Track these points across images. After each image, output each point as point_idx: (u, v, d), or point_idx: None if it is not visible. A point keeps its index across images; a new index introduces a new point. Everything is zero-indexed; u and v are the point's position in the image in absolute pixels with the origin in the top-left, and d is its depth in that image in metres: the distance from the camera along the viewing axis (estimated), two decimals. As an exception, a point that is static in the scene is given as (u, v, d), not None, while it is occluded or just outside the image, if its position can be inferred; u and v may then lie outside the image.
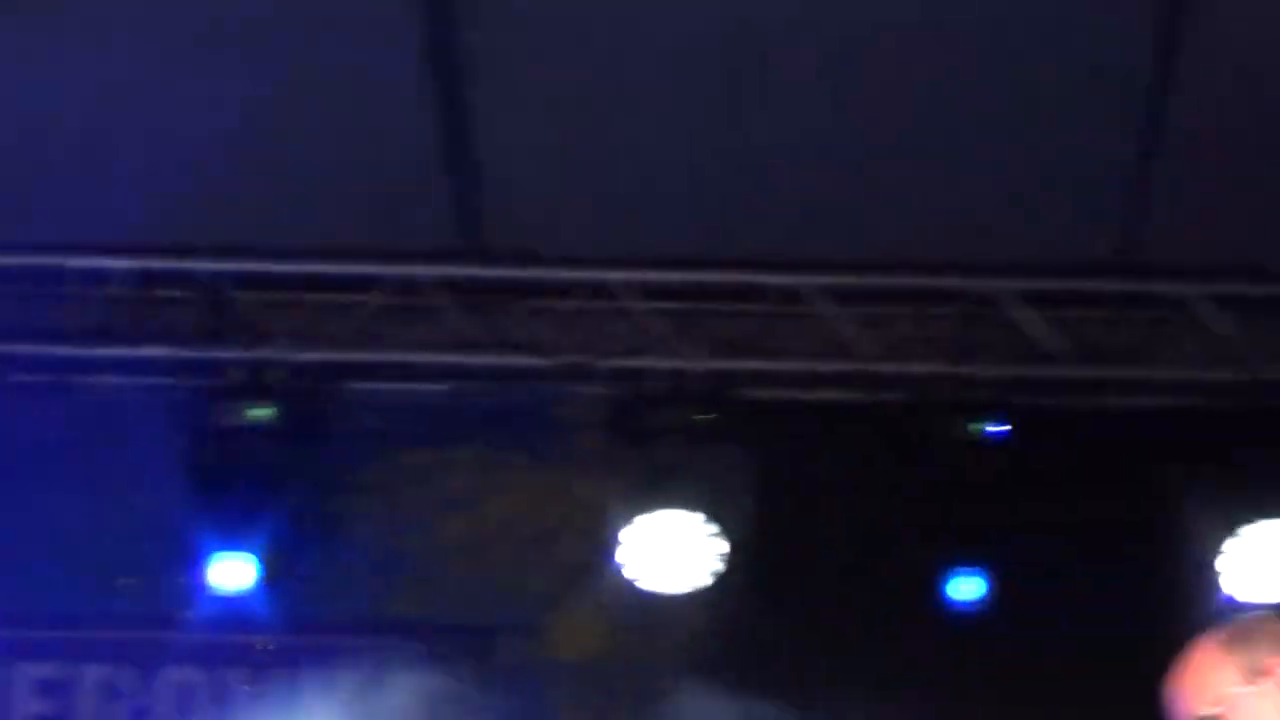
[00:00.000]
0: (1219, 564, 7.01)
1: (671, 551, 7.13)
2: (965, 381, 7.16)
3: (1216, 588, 7.04)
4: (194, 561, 7.23)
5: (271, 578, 7.23)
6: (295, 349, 7.09)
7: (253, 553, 7.14)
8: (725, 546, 7.09)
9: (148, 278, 7.14)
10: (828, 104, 6.74)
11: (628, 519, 7.22)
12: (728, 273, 7.20)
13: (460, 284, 7.12)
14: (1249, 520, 7.06)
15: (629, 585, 7.33)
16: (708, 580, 7.11)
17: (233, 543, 7.22)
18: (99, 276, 7.10)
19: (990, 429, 7.08)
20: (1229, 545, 7.03)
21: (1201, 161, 6.97)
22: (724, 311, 7.27)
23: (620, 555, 7.24)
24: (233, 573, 7.21)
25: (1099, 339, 7.40)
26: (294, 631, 7.67)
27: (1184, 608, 7.03)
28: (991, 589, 7.31)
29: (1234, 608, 7.07)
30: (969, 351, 7.21)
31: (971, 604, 7.35)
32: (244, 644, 7.83)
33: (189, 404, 7.19)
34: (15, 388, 7.18)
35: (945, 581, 7.33)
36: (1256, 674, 3.91)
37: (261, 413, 7.02)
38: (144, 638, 8.00)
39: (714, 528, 7.04)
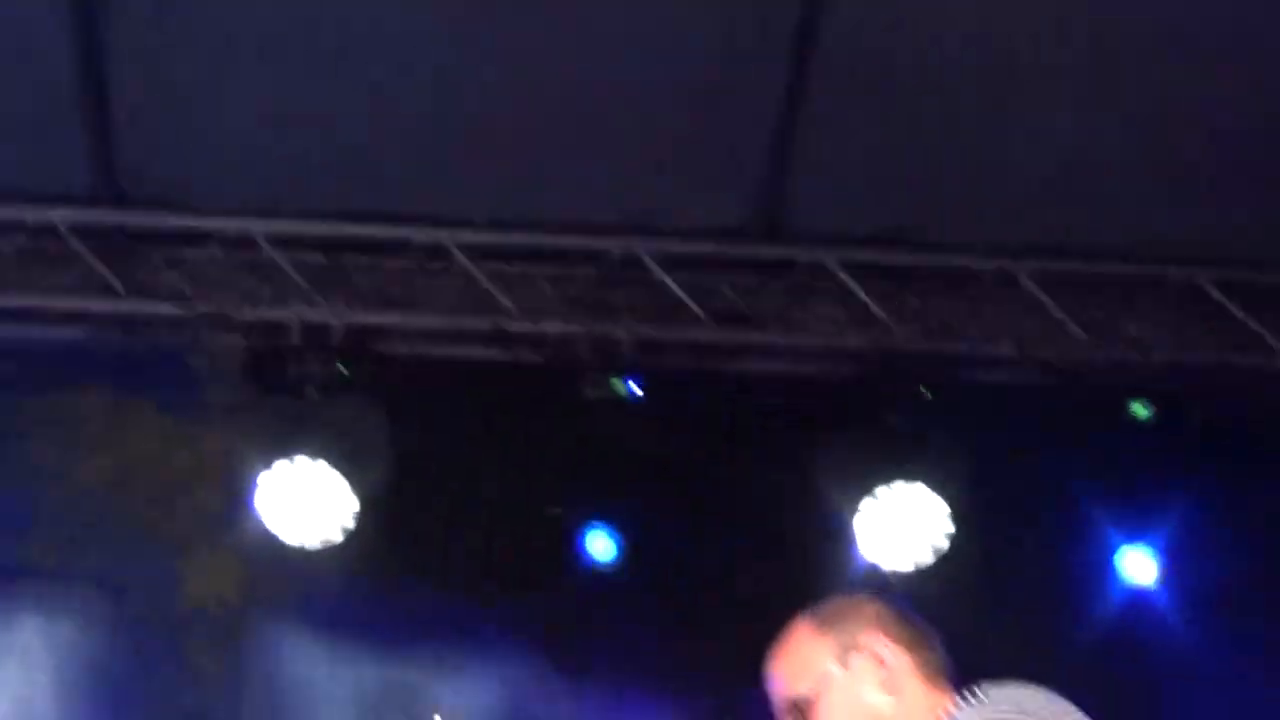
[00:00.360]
0: (855, 526, 7.23)
1: (306, 503, 7.15)
2: (604, 342, 7.21)
3: (852, 550, 7.28)
4: None
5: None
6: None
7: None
8: (359, 500, 7.11)
9: None
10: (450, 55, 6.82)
11: (264, 469, 7.20)
12: (370, 226, 7.20)
13: (98, 230, 7.02)
14: (885, 483, 7.29)
15: (264, 535, 7.32)
16: (341, 533, 7.14)
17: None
18: None
19: (629, 390, 7.21)
20: (865, 507, 7.24)
21: (842, 129, 7.07)
22: (366, 265, 7.27)
23: (256, 505, 7.22)
24: None
25: (738, 303, 7.49)
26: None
27: (819, 570, 7.29)
28: (625, 548, 7.50)
29: (870, 570, 7.40)
30: (609, 312, 7.27)
31: (605, 562, 7.51)
32: None
33: None
34: None
35: (580, 540, 7.48)
36: (851, 652, 4.02)
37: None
38: None
39: (349, 481, 7.06)
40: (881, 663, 3.96)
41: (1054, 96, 6.89)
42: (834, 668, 3.98)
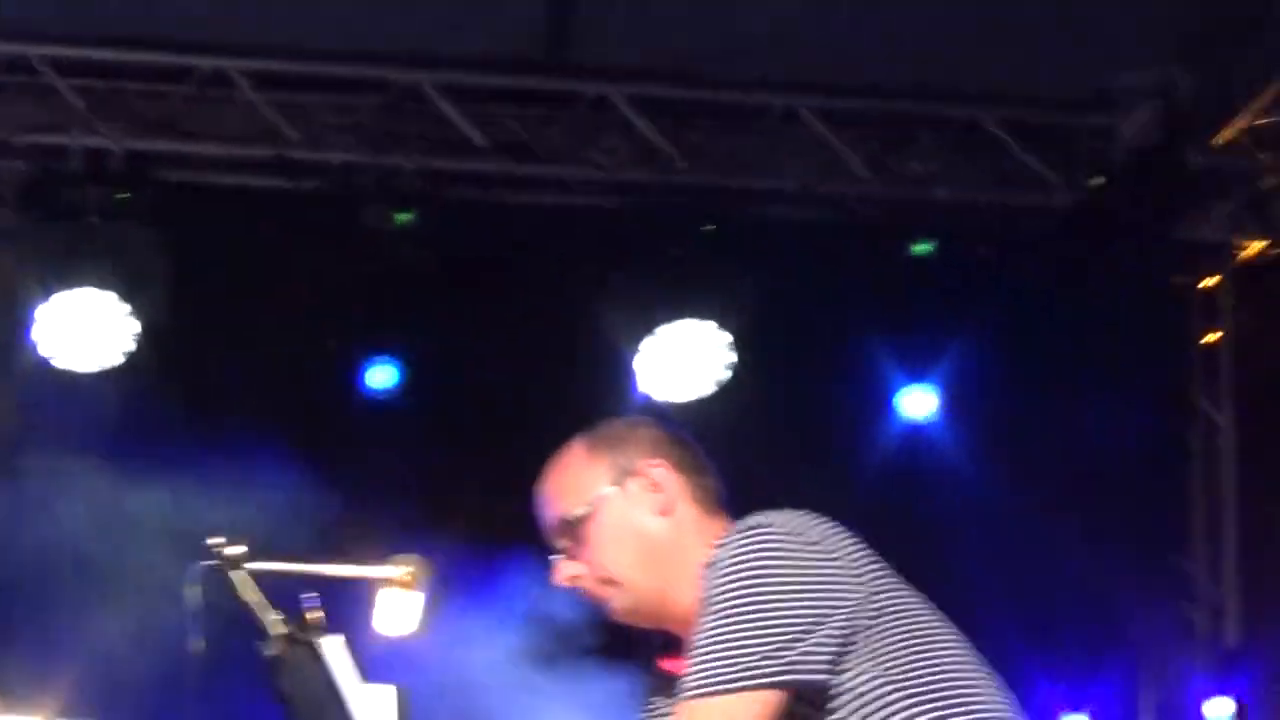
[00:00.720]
0: (635, 362, 7.48)
1: (85, 331, 7.31)
2: (386, 172, 7.41)
3: (632, 385, 7.56)
4: None
5: None
6: None
7: None
8: (139, 328, 7.28)
9: None
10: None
11: (42, 297, 7.33)
12: (152, 53, 7.36)
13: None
14: (666, 320, 7.51)
15: (41, 363, 7.43)
16: (119, 359, 7.31)
17: None
18: None
19: (412, 220, 7.39)
20: (646, 344, 7.47)
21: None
22: (147, 93, 7.44)
23: (34, 333, 7.33)
24: None
25: (522, 135, 7.72)
26: None
27: (600, 400, 7.51)
28: (405, 377, 7.71)
29: (648, 401, 7.64)
30: (391, 142, 7.46)
31: (385, 391, 7.73)
32: None
33: None
34: None
35: (360, 369, 7.69)
36: (627, 475, 4.00)
37: None
38: None
39: (127, 308, 7.22)
40: (657, 487, 3.98)
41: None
42: (608, 489, 4.00)
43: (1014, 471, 8.36)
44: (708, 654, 3.77)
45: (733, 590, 3.76)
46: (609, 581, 3.98)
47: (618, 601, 4.01)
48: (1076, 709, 8.22)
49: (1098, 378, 8.55)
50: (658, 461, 3.95)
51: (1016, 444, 8.44)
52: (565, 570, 4.01)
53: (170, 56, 7.38)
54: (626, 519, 4.00)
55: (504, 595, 6.69)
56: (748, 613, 3.75)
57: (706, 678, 3.75)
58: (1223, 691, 8.63)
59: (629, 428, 4.17)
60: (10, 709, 5.43)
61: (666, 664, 4.08)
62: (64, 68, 7.36)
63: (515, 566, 5.37)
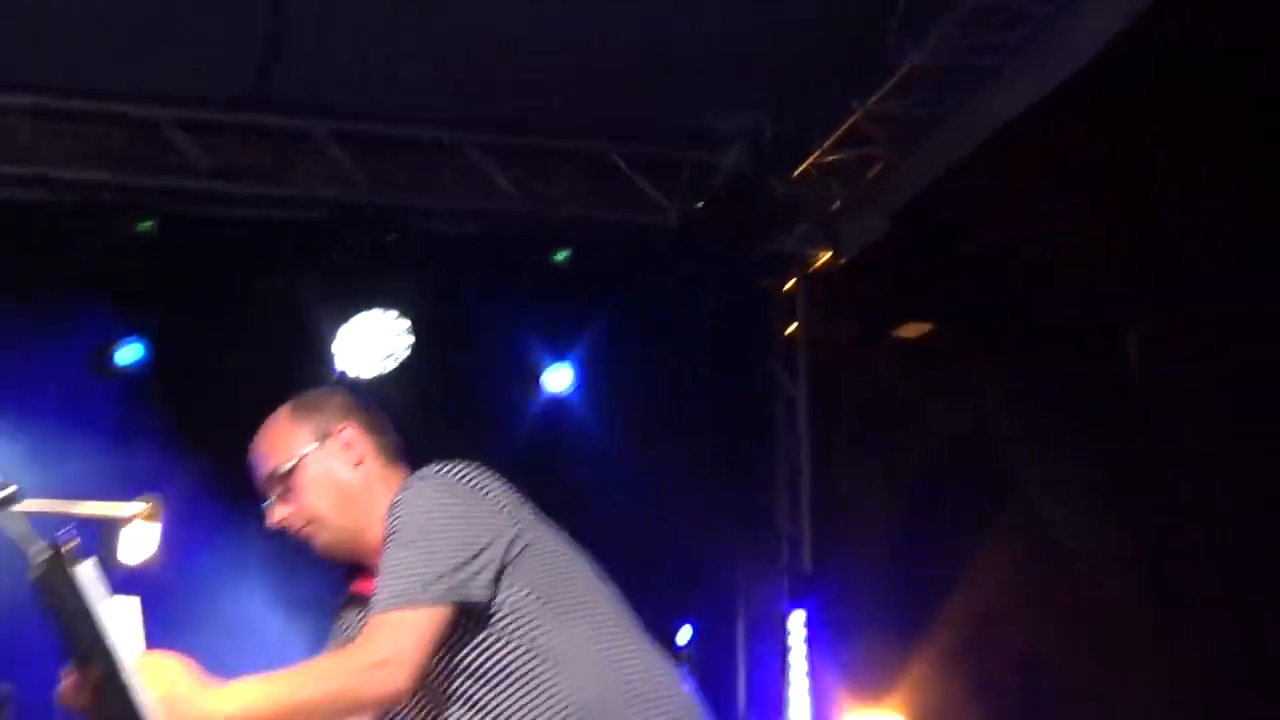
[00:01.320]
0: (334, 345, 8.74)
1: None
2: (127, 190, 8.62)
3: (331, 364, 8.78)
4: None
5: None
6: None
7: None
8: None
9: None
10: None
11: None
12: None
13: None
14: (357, 311, 8.79)
15: None
16: None
17: None
18: None
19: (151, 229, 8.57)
20: (341, 330, 8.76)
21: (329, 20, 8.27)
22: None
23: None
24: None
25: (238, 159, 8.85)
26: None
27: (306, 379, 8.56)
28: (151, 355, 8.91)
29: (341, 376, 8.79)
30: (133, 163, 8.64)
31: (134, 365, 8.95)
32: None
33: None
34: None
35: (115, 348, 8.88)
36: (325, 436, 4.49)
37: None
38: None
39: None
40: (349, 445, 4.46)
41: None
42: (310, 447, 4.46)
43: (637, 433, 9.38)
44: (392, 576, 4.19)
45: (410, 523, 4.24)
46: (312, 521, 4.45)
47: (319, 539, 4.49)
48: (684, 620, 8.94)
49: (704, 360, 9.63)
50: (349, 424, 4.47)
51: (639, 411, 9.49)
52: (276, 514, 4.49)
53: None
54: (326, 471, 4.47)
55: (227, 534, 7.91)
56: (422, 541, 4.21)
57: (391, 595, 4.16)
58: (799, 606, 9.84)
59: (325, 395, 4.67)
60: None
61: (357, 586, 4.56)
62: None
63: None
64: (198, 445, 8.35)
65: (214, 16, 8.30)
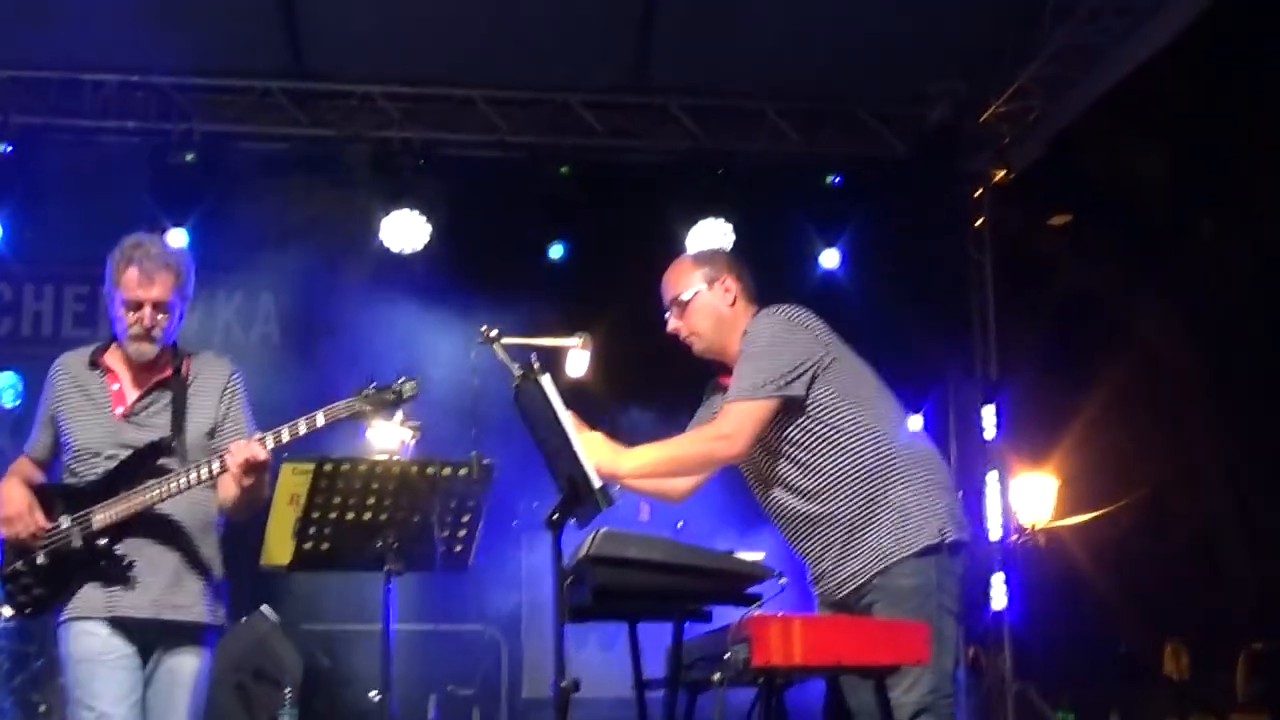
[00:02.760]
0: (686, 241, 11.51)
1: None
2: (553, 147, 11.25)
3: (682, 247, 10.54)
4: None
5: None
6: None
7: None
8: None
9: None
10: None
11: None
12: None
13: None
14: (699, 220, 11.41)
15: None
16: None
17: None
18: None
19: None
20: (691, 231, 11.45)
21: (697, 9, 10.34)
22: None
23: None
24: None
25: (625, 125, 11.61)
26: None
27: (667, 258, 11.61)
28: (570, 253, 11.36)
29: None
30: (555, 130, 11.32)
31: (561, 259, 11.39)
32: None
33: None
34: None
35: (550, 245, 11.33)
36: (712, 281, 5.68)
37: None
38: None
39: None
40: (728, 290, 5.65)
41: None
42: (701, 286, 5.65)
43: (883, 293, 10.95)
44: (740, 378, 5.37)
45: (757, 344, 5.37)
46: (694, 334, 5.69)
47: (697, 346, 5.72)
48: (916, 412, 10.48)
49: (923, 244, 11.54)
50: (730, 276, 5.67)
51: (883, 278, 11.20)
52: (672, 324, 5.67)
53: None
54: (709, 305, 5.68)
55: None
56: (762, 357, 5.36)
57: (738, 391, 5.34)
58: (989, 403, 11.74)
59: (713, 252, 5.95)
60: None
61: (721, 379, 5.78)
62: None
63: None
64: (614, 300, 10.05)
65: (593, 22, 10.70)
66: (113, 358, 5.93)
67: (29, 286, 12.18)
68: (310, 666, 8.49)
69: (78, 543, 5.72)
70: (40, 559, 5.74)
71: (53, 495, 5.80)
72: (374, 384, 5.53)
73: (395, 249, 11.39)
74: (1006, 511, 11.80)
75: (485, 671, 9.25)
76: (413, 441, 6.95)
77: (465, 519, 6.38)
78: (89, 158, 11.32)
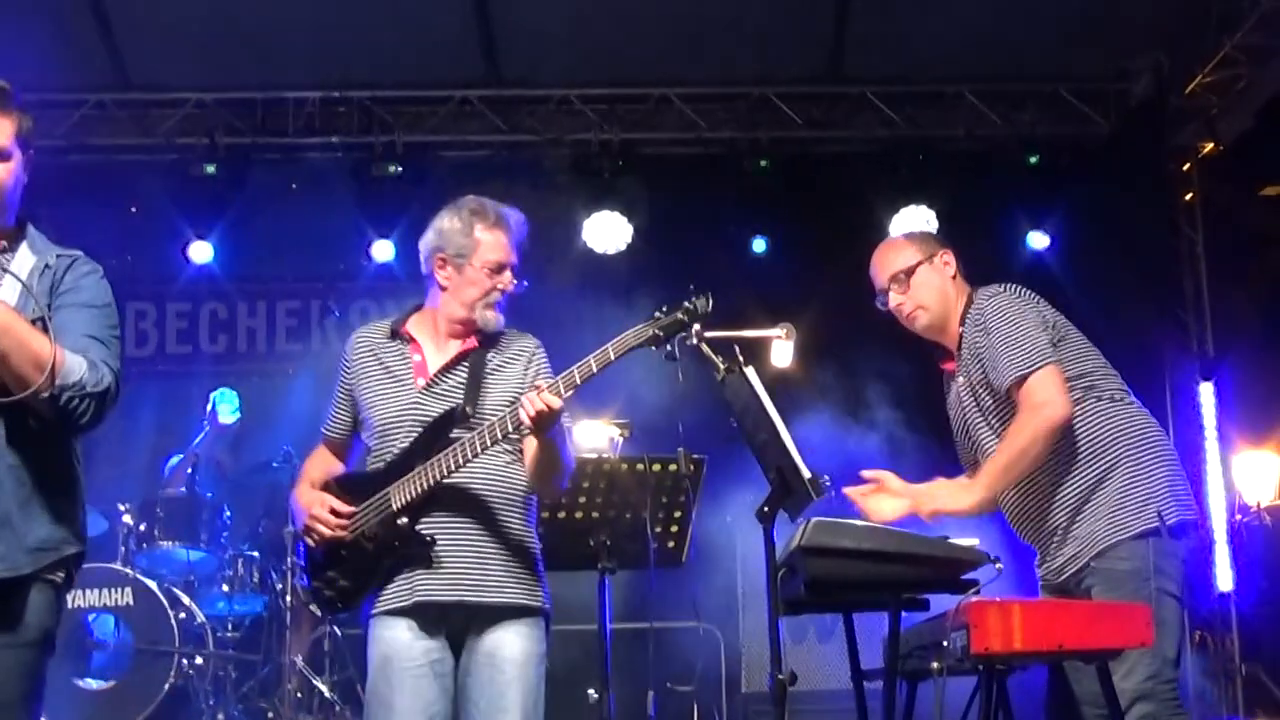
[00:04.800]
0: (890, 226, 11.85)
1: None
2: (751, 141, 11.38)
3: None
4: None
5: None
6: None
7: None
8: None
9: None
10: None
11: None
12: None
13: None
14: (902, 207, 11.47)
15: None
16: None
17: None
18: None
19: None
20: (895, 218, 11.52)
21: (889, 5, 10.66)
22: None
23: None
24: None
25: (821, 116, 11.77)
26: None
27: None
28: (770, 244, 11.57)
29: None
30: (752, 124, 11.52)
31: (763, 251, 11.64)
32: None
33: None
34: None
35: (752, 238, 11.52)
36: (931, 255, 5.77)
37: None
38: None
39: None
40: (948, 263, 5.79)
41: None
42: (920, 259, 5.79)
43: (1094, 269, 10.95)
44: (1010, 351, 5.46)
45: (1004, 319, 5.48)
46: (918, 308, 5.73)
47: (920, 322, 5.77)
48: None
49: (1133, 218, 11.35)
50: (946, 250, 5.82)
51: (1095, 253, 11.16)
52: (893, 301, 5.75)
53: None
54: (931, 277, 5.76)
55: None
56: (1015, 331, 5.48)
57: (1021, 366, 5.44)
58: (1206, 379, 11.60)
59: (924, 232, 6.34)
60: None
61: (944, 365, 5.90)
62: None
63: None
64: (817, 291, 10.47)
65: (786, 14, 10.95)
66: (417, 327, 5.78)
67: (242, 304, 12.54)
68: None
69: (376, 527, 5.52)
70: (343, 551, 5.58)
71: (350, 484, 5.65)
72: (663, 307, 5.21)
73: (598, 250, 11.62)
74: (1230, 490, 11.69)
75: (703, 667, 9.27)
76: (622, 439, 7.12)
77: (677, 515, 6.47)
78: (295, 175, 11.76)
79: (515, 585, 5.52)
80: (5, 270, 4.71)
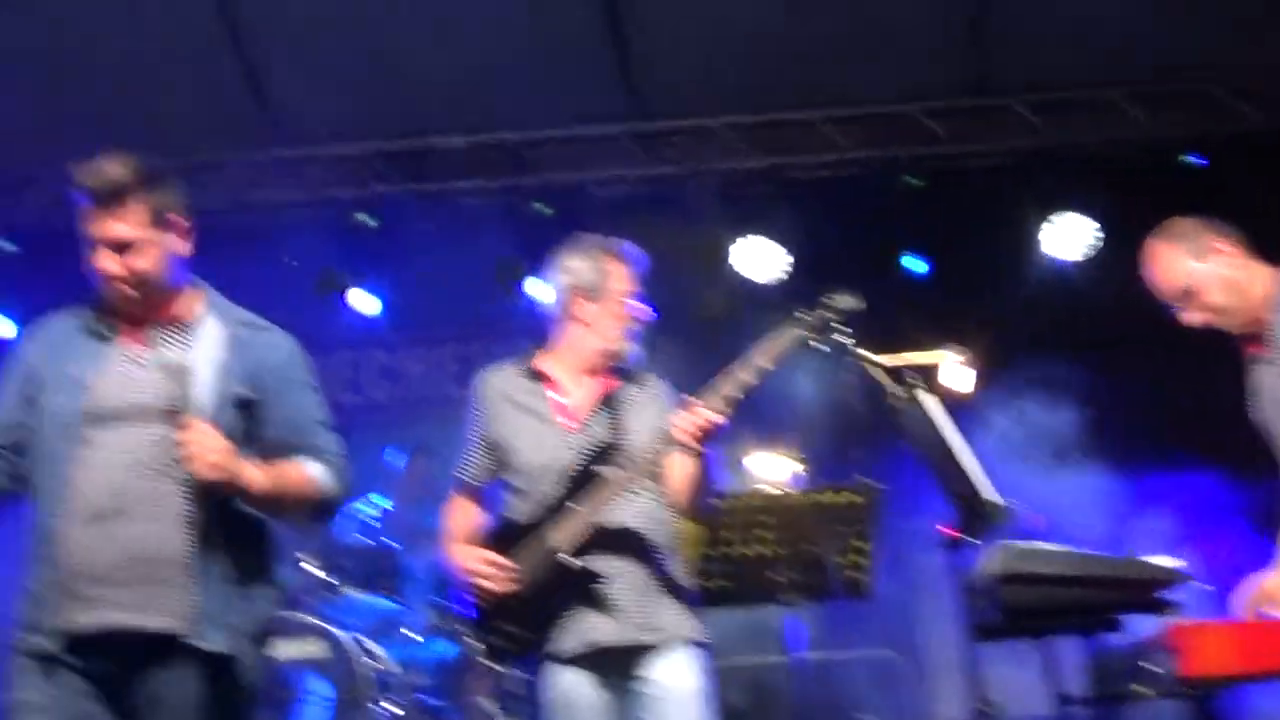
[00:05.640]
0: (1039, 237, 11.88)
1: None
2: (893, 159, 11.40)
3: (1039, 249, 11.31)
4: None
5: None
6: None
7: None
8: None
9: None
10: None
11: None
12: None
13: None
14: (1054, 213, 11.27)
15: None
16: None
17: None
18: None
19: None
20: (1045, 228, 11.37)
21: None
22: None
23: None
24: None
25: (966, 131, 11.51)
26: None
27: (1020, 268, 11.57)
28: (932, 266, 11.56)
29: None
30: (896, 141, 11.42)
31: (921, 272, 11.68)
32: None
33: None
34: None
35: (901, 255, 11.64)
36: (1205, 254, 5.38)
37: None
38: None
39: None
40: (1222, 251, 5.39)
41: None
42: (1194, 263, 5.38)
43: None
44: None
45: None
46: (1219, 311, 5.41)
47: (1220, 320, 5.43)
48: None
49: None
50: (1216, 239, 5.45)
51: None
52: (1190, 317, 5.46)
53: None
54: (1217, 276, 5.40)
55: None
56: None
57: None
58: None
59: (1184, 224, 5.57)
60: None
61: (1249, 349, 5.44)
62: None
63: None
64: (977, 307, 10.50)
65: (925, 30, 10.90)
66: (552, 365, 5.88)
67: (405, 352, 12.76)
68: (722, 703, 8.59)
69: (540, 572, 5.54)
70: (509, 600, 5.59)
71: (503, 533, 5.70)
72: (802, 308, 5.25)
73: (749, 277, 11.61)
74: None
75: (895, 698, 9.18)
76: (798, 472, 7.12)
77: (859, 545, 6.47)
78: (448, 218, 11.86)
79: (681, 621, 5.56)
80: (187, 346, 4.87)
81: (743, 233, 11.60)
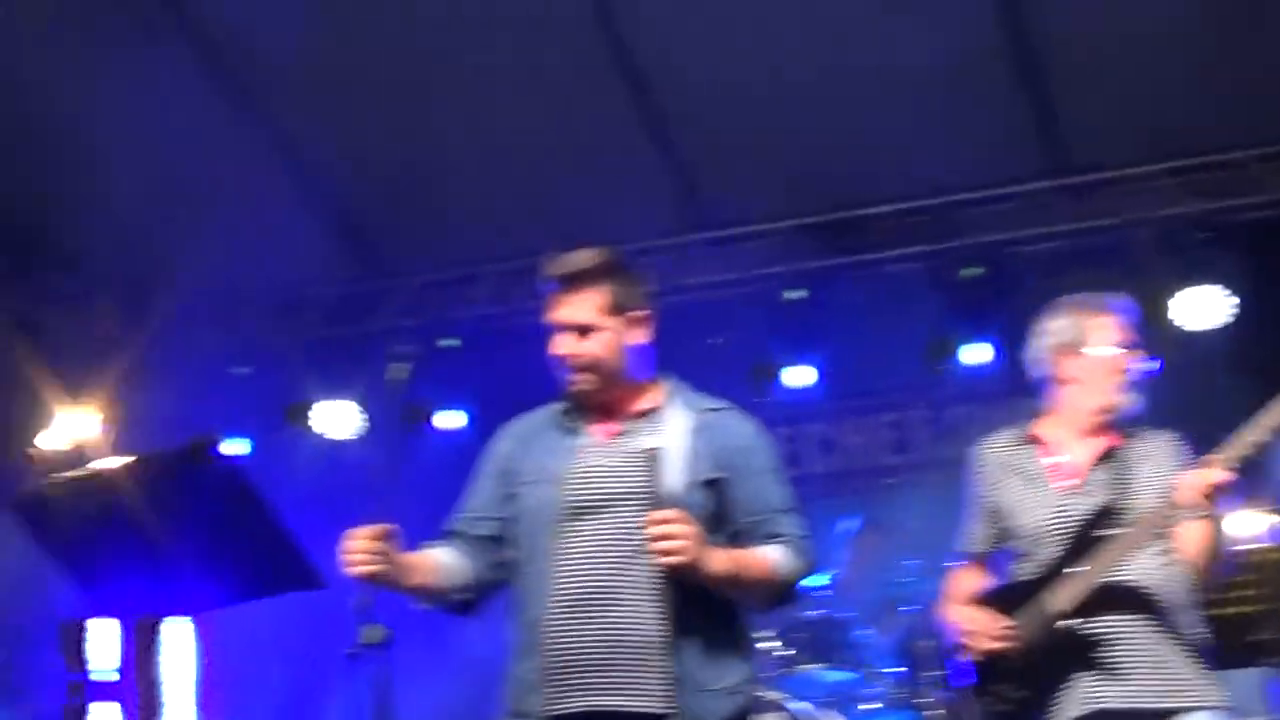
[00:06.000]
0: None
1: None
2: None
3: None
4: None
5: None
6: None
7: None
8: None
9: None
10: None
11: None
12: None
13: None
14: None
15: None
16: None
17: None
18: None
19: None
20: None
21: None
22: None
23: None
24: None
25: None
26: None
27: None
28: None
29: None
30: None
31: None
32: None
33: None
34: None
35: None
36: None
37: None
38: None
39: None
40: None
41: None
42: None
43: None
44: None
45: None
46: None
47: None
48: None
49: None
50: None
51: None
52: None
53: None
54: None
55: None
56: None
57: None
58: None
59: None
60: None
61: None
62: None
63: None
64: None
65: None
66: (1050, 429, 5.87)
67: (842, 421, 12.90)
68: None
69: (1040, 634, 5.50)
70: (1008, 662, 5.55)
71: (1002, 594, 5.70)
72: None
73: (1190, 328, 11.24)
74: None
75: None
76: (1276, 525, 6.85)
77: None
78: (877, 288, 11.93)
79: (1195, 684, 5.42)
80: (657, 430, 4.98)
81: (1184, 282, 11.35)
